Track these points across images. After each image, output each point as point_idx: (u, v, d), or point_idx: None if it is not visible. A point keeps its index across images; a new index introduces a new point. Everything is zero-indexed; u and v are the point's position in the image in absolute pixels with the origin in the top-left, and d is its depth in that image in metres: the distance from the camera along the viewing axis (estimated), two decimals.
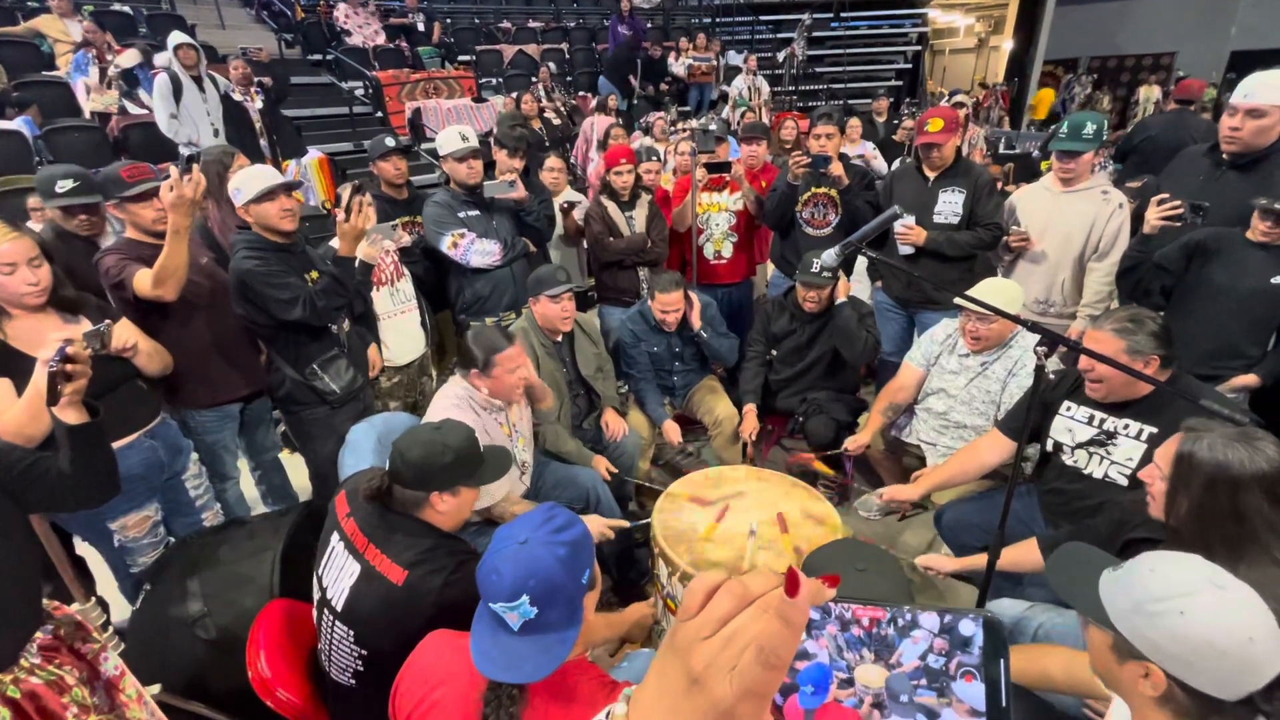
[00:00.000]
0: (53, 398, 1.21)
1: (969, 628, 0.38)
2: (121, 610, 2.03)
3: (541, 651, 0.94)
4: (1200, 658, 0.83)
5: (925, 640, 0.39)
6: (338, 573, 1.35)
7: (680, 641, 0.35)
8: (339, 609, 1.32)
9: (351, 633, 1.30)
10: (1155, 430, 1.73)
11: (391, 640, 1.21)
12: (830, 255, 1.69)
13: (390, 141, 2.88)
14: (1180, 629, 0.84)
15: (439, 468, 1.38)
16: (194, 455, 2.17)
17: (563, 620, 0.97)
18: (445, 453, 1.39)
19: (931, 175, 2.81)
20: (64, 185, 2.15)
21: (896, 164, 5.19)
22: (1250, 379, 2.19)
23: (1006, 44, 13.21)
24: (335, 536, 1.39)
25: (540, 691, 0.95)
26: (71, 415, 1.26)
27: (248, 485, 2.64)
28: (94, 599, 1.46)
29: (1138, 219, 2.41)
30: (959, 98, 7.15)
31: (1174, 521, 1.28)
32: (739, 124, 6.04)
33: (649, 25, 9.33)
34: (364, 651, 1.30)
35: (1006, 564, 1.72)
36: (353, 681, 1.32)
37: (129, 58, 5.32)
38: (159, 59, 5.23)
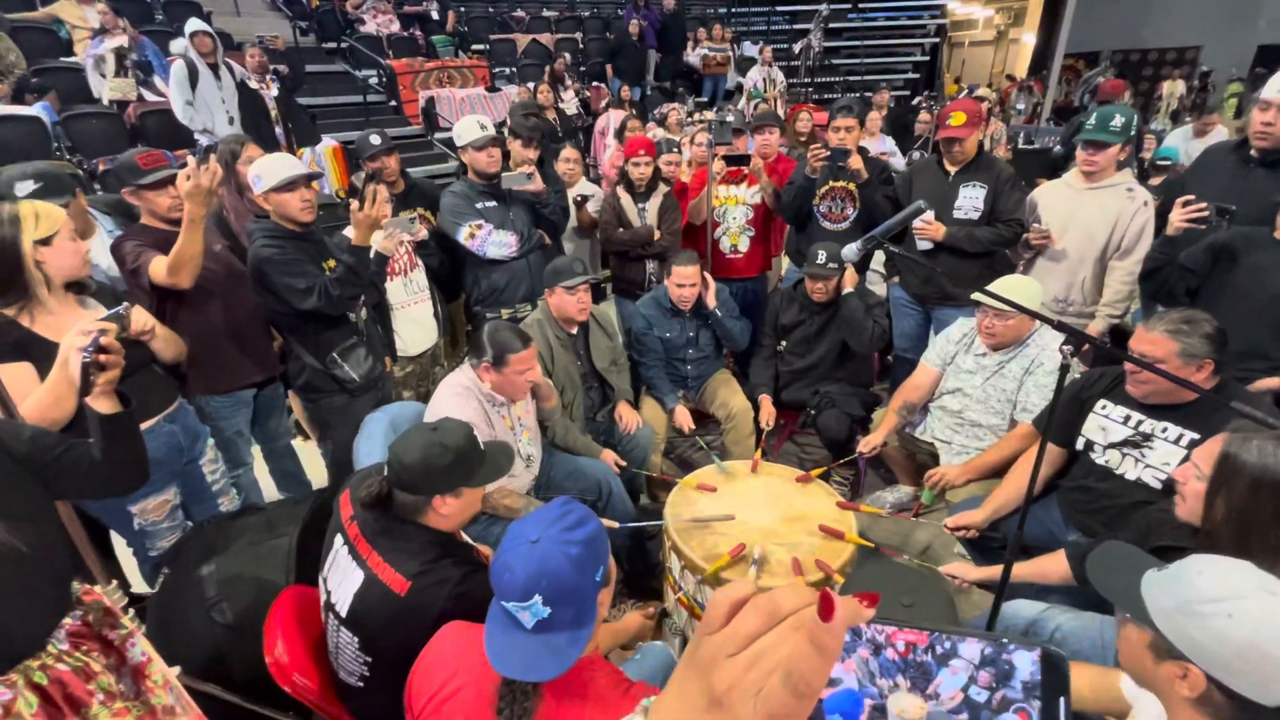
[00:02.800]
0: (86, 388, 1.21)
1: (1023, 661, 0.35)
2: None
3: (554, 651, 0.94)
4: (1244, 661, 0.82)
5: (965, 671, 0.35)
6: (341, 578, 1.34)
7: (703, 657, 0.33)
8: (343, 615, 1.31)
9: (356, 639, 1.30)
10: (1197, 436, 1.68)
11: (397, 648, 1.20)
12: (852, 249, 1.67)
13: (375, 140, 2.86)
14: (1227, 631, 0.83)
15: (439, 470, 1.33)
16: (210, 441, 2.18)
17: (576, 619, 0.96)
18: (444, 454, 1.34)
19: (952, 170, 2.77)
20: (24, 187, 1.98)
21: (912, 156, 5.15)
22: (1276, 382, 2.14)
23: (1027, 37, 13.00)
24: (339, 539, 1.38)
25: (553, 688, 0.95)
26: (104, 405, 1.26)
27: (262, 472, 2.66)
28: (115, 581, 1.47)
29: (1161, 216, 2.36)
30: (980, 91, 7.04)
31: (1209, 525, 1.25)
32: (753, 116, 5.99)
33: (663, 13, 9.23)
34: (369, 658, 1.29)
35: (1033, 574, 1.70)
36: (360, 684, 1.32)
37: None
38: (175, 46, 5.25)
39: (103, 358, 1.20)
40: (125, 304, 1.76)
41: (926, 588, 1.08)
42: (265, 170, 2.05)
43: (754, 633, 0.32)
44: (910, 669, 0.36)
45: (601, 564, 1.01)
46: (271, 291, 2.08)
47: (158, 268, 2.00)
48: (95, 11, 5.72)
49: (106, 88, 5.22)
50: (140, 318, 1.86)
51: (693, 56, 8.62)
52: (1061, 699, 0.35)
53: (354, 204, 2.07)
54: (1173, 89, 10.38)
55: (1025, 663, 0.35)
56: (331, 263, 2.18)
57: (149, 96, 5.34)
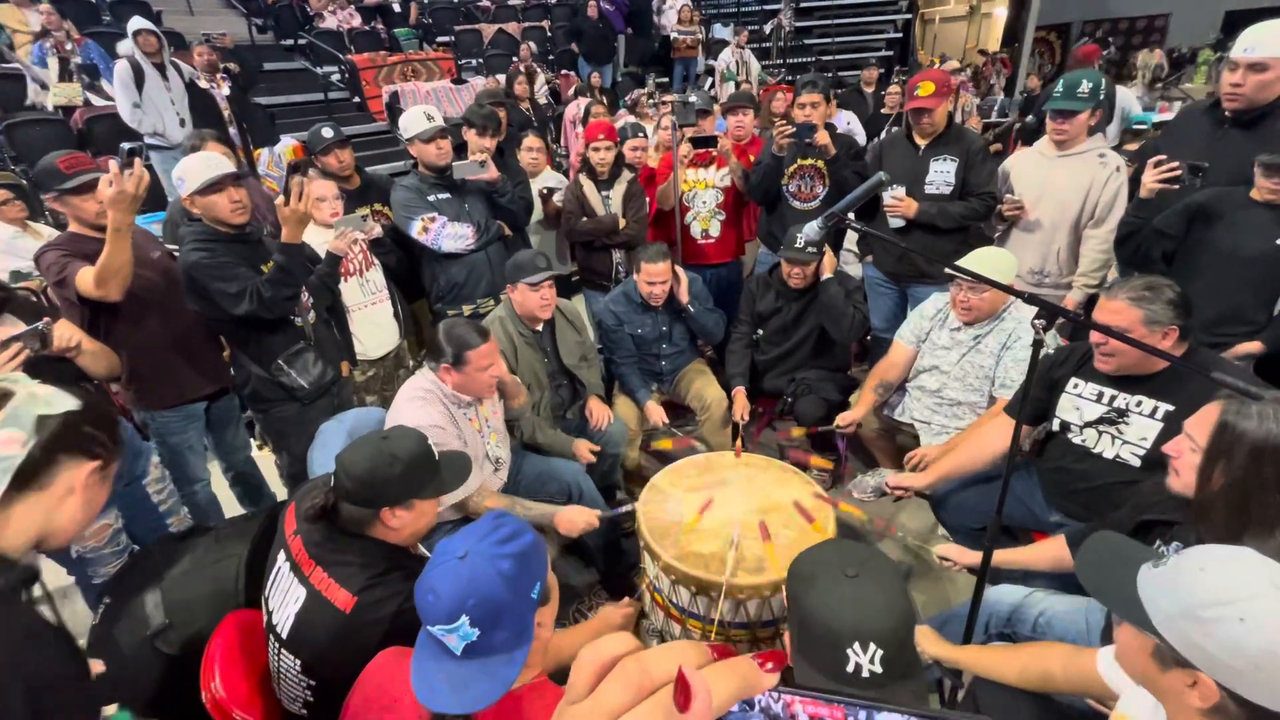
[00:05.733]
0: None
1: None
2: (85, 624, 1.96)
3: (487, 676, 0.86)
4: (1260, 670, 0.73)
5: None
6: (283, 596, 1.25)
7: None
8: (285, 637, 1.23)
9: (298, 662, 1.21)
10: (1172, 408, 1.63)
11: (341, 671, 1.11)
12: (813, 227, 1.59)
13: (327, 133, 2.73)
14: (1240, 638, 0.74)
15: (387, 481, 1.26)
16: (155, 459, 2.07)
17: (509, 641, 0.88)
18: (394, 464, 1.26)
19: (922, 143, 2.70)
20: None
21: (884, 134, 5.07)
22: (1255, 346, 2.10)
23: (999, 10, 12.94)
24: (282, 556, 1.30)
25: (489, 719, 0.87)
26: None
27: (221, 486, 2.55)
28: None
29: (1136, 181, 2.31)
30: (950, 64, 6.98)
31: (1203, 496, 1.19)
32: (728, 97, 5.89)
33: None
34: (312, 682, 1.21)
35: (1026, 562, 1.64)
36: (303, 711, 1.23)
37: None
38: (122, 47, 5.06)
39: None
40: (46, 319, 1.64)
41: (873, 560, 1.00)
42: (188, 172, 1.92)
43: (618, 709, 0.26)
44: None
45: (538, 580, 0.92)
46: (204, 297, 1.96)
47: (84, 279, 1.88)
48: (36, 13, 5.49)
49: (51, 94, 5.02)
50: (63, 333, 1.74)
51: (662, 21, 8.45)
52: None
53: (280, 199, 1.96)
54: (1147, 60, 10.37)
55: None
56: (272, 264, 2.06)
57: (96, 101, 5.14)
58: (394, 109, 6.75)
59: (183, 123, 4.52)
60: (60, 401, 0.96)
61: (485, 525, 0.93)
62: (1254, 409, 1.11)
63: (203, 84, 4.65)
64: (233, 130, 4.74)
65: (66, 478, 0.95)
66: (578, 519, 1.91)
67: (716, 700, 0.25)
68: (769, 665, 0.27)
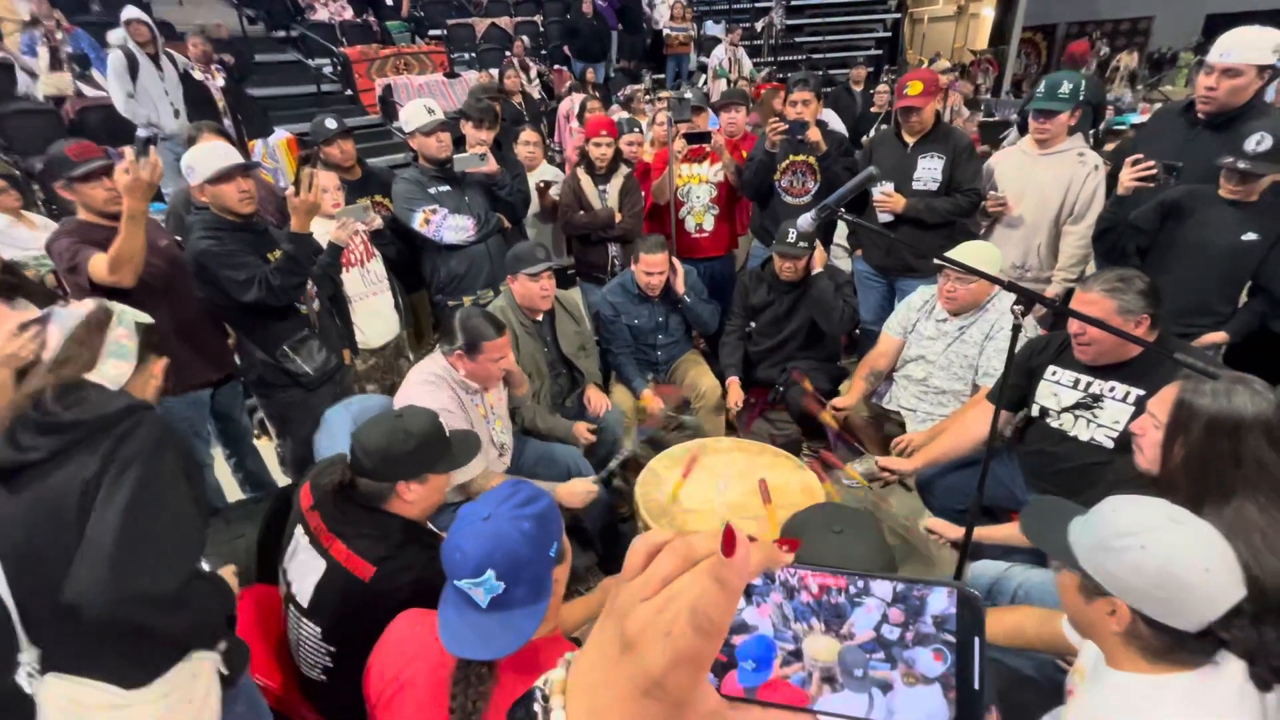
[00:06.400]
0: None
1: (936, 597, 0.34)
2: None
3: (509, 627, 0.93)
4: (1160, 589, 0.86)
5: (878, 609, 0.35)
6: (302, 568, 1.32)
7: (620, 603, 0.32)
8: (305, 606, 1.29)
9: (319, 630, 1.28)
10: (1143, 393, 1.72)
11: (360, 638, 1.18)
12: (806, 219, 1.66)
13: (331, 124, 2.76)
14: (1141, 562, 0.88)
15: (402, 456, 1.33)
16: None
17: (530, 595, 0.95)
18: (408, 440, 1.34)
19: (910, 140, 2.78)
20: None
21: (874, 132, 5.16)
22: (1220, 336, 2.21)
23: (986, 10, 13.10)
24: (299, 530, 1.35)
25: (510, 668, 0.94)
26: None
27: (224, 473, 2.59)
28: None
29: (1113, 179, 2.40)
30: (940, 63, 7.08)
31: (1166, 470, 1.29)
32: (721, 94, 5.95)
33: None
34: (332, 648, 1.27)
35: (1004, 539, 1.74)
36: (323, 677, 1.30)
37: None
38: (112, 36, 5.04)
39: None
40: (60, 303, 1.68)
41: (859, 520, 1.14)
42: (198, 162, 1.96)
43: (668, 575, 0.31)
44: (824, 611, 0.36)
45: (555, 540, 0.99)
46: (212, 285, 2.01)
47: (97, 266, 1.92)
48: (25, 1, 5.44)
49: (41, 84, 4.98)
50: None
51: (655, 15, 8.48)
52: (976, 639, 0.34)
53: (289, 190, 2.01)
54: (1128, 61, 10.58)
55: (939, 599, 0.35)
56: (278, 253, 2.11)
57: (87, 91, 5.11)
58: (387, 102, 6.75)
59: (177, 113, 4.53)
60: (144, 316, 1.37)
61: (504, 491, 1.00)
62: (1208, 387, 1.21)
63: (197, 75, 4.64)
64: (227, 121, 4.74)
65: (154, 366, 1.37)
66: (577, 488, 1.99)
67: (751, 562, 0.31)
68: (785, 548, 0.34)
